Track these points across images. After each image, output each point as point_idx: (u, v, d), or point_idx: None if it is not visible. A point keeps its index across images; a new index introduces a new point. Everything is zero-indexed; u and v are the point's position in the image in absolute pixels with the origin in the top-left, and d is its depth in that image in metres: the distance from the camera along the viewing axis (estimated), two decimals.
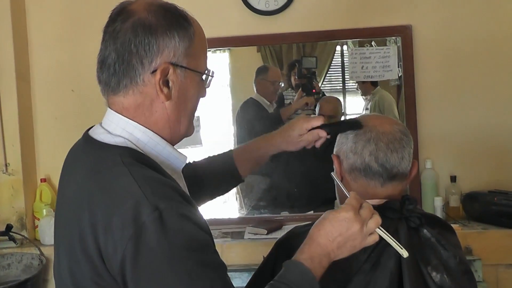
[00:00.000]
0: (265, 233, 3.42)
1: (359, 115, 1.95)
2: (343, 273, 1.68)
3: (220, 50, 3.88)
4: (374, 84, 3.91)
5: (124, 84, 1.55)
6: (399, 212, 1.75)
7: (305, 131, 2.03)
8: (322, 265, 1.58)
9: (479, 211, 3.37)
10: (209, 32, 3.67)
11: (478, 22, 3.55)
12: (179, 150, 1.69)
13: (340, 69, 4.01)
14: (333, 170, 1.88)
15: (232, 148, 2.23)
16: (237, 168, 2.14)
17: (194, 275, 1.38)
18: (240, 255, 3.30)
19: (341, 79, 4.04)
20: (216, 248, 1.52)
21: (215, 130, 3.94)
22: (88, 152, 1.58)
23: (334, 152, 1.91)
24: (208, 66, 1.67)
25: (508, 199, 3.26)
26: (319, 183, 3.58)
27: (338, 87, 4.04)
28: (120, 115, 1.57)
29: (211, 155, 2.25)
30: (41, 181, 3.70)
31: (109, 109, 1.61)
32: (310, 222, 1.87)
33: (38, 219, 3.62)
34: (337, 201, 1.95)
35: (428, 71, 3.59)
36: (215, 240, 1.54)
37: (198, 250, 1.42)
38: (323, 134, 2.01)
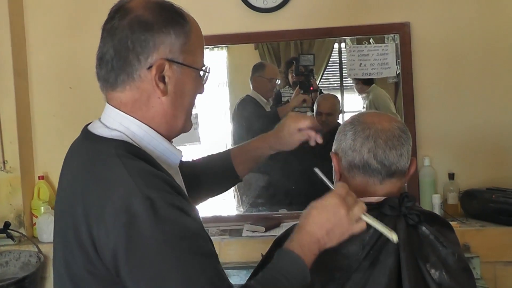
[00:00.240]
0: (263, 230, 3.42)
1: (357, 113, 1.94)
2: (341, 271, 1.68)
3: (218, 47, 3.88)
4: (368, 83, 3.92)
5: (122, 80, 1.58)
6: (398, 210, 1.75)
7: (294, 131, 2.03)
8: (313, 253, 1.61)
9: (477, 209, 3.38)
10: (207, 29, 3.67)
11: (476, 19, 3.55)
12: (177, 147, 1.72)
13: (338, 67, 4.01)
14: (331, 168, 1.89)
15: (231, 147, 2.24)
16: (234, 168, 2.16)
17: (186, 263, 1.41)
18: (238, 253, 3.30)
19: (338, 77, 4.04)
20: (214, 246, 1.55)
21: (213, 127, 3.94)
22: (85, 146, 1.63)
23: (332, 150, 1.91)
24: (205, 63, 1.71)
25: (506, 197, 3.26)
26: (317, 180, 3.58)
27: (336, 85, 4.04)
28: (118, 110, 1.61)
29: (210, 153, 2.26)
30: (39, 179, 3.70)
31: (107, 104, 1.65)
32: None
33: (36, 217, 3.61)
34: None
35: (426, 69, 3.59)
36: (213, 237, 1.57)
37: (190, 238, 1.45)
38: (312, 134, 2.01)
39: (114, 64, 1.58)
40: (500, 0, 3.55)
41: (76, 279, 1.54)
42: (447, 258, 1.74)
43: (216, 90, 3.97)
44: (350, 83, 4.01)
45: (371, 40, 3.71)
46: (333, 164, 1.89)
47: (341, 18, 3.62)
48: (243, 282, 1.86)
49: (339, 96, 3.97)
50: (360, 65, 3.70)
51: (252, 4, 3.65)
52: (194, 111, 3.65)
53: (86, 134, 1.64)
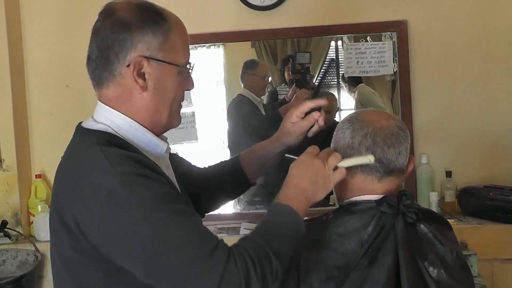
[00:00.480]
0: None
1: (355, 111, 1.93)
2: (340, 270, 1.68)
3: (214, 45, 3.87)
4: (353, 84, 3.93)
5: (105, 77, 1.69)
6: (396, 208, 1.74)
7: (296, 119, 2.03)
8: (302, 203, 1.68)
9: (474, 206, 3.38)
10: (204, 27, 3.68)
11: (473, 17, 3.55)
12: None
13: (335, 65, 4.01)
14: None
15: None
16: (243, 171, 2.17)
17: (170, 223, 1.48)
18: None
19: (335, 74, 4.04)
20: None
21: (211, 125, 3.94)
22: (74, 139, 1.74)
23: (331, 148, 1.91)
24: (190, 60, 1.79)
25: (503, 194, 3.27)
26: None
27: (332, 83, 4.03)
28: (105, 105, 1.72)
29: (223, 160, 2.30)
30: (36, 177, 3.70)
31: (98, 101, 1.76)
32: (307, 218, 1.88)
33: (33, 215, 3.62)
34: (333, 196, 1.95)
35: (423, 66, 3.59)
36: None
37: (168, 202, 1.53)
38: (316, 115, 2.00)
39: (98, 63, 1.69)
40: None
41: (66, 260, 1.65)
42: (446, 256, 1.74)
43: (213, 88, 3.97)
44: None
45: (368, 38, 3.72)
46: None
47: (338, 16, 3.62)
48: None
49: (336, 94, 3.97)
50: (357, 63, 3.71)
51: (249, 2, 3.65)
52: (191, 109, 3.71)
53: (78, 128, 1.75)
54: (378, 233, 1.70)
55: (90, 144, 1.61)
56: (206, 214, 2.18)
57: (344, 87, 3.98)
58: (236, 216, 3.72)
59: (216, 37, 3.71)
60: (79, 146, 1.68)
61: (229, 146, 3.96)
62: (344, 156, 1.80)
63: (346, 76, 3.90)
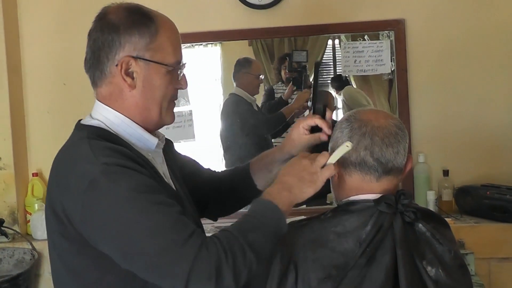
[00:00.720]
0: None
1: (353, 110, 1.93)
2: (338, 269, 1.68)
3: (211, 44, 3.87)
4: (340, 87, 3.95)
5: (98, 76, 1.81)
6: (394, 207, 1.74)
7: (303, 131, 2.03)
8: (284, 198, 1.74)
9: (471, 205, 3.38)
10: (201, 25, 3.68)
11: (471, 16, 3.55)
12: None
13: (332, 63, 4.01)
14: None
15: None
16: (252, 178, 2.20)
17: (148, 212, 1.57)
18: None
19: (332, 73, 4.04)
20: None
21: (208, 124, 3.93)
22: (71, 133, 1.85)
23: (329, 147, 1.91)
24: (178, 59, 1.85)
25: (500, 193, 3.27)
26: None
27: (326, 83, 4.03)
28: (100, 103, 1.83)
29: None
30: (33, 176, 3.69)
31: (96, 99, 1.86)
32: (305, 217, 1.88)
33: (30, 214, 3.61)
34: (331, 194, 1.95)
35: (421, 65, 3.59)
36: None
37: (147, 192, 1.61)
38: (324, 138, 2.00)
39: (91, 63, 1.81)
40: None
41: (57, 247, 1.76)
42: (444, 255, 1.74)
43: (210, 86, 3.97)
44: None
45: (366, 37, 3.71)
46: None
47: (336, 15, 3.62)
48: None
49: (333, 92, 3.97)
50: (355, 61, 3.71)
51: (247, 0, 3.64)
52: (188, 107, 3.69)
53: (76, 125, 1.86)
54: (376, 232, 1.70)
55: (80, 138, 1.73)
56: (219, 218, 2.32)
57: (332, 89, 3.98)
58: (234, 216, 3.70)
59: (213, 35, 3.71)
60: (72, 139, 1.80)
61: (223, 146, 3.95)
62: (343, 156, 1.80)
63: (345, 75, 3.90)
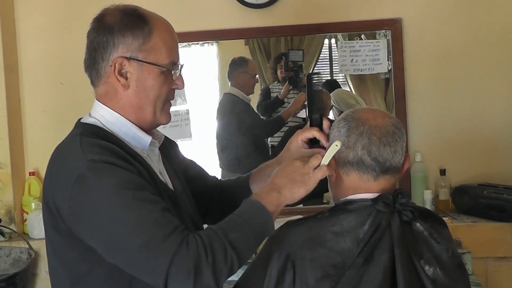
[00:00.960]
0: None
1: (351, 109, 1.93)
2: (336, 268, 1.68)
3: (208, 43, 3.87)
4: (330, 89, 3.98)
5: (94, 76, 1.86)
6: (392, 206, 1.74)
7: (301, 143, 2.04)
8: (272, 199, 1.74)
9: (468, 204, 3.39)
10: (198, 25, 3.68)
11: (468, 15, 3.56)
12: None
13: (328, 63, 4.01)
14: None
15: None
16: (250, 188, 2.21)
17: (132, 208, 1.61)
18: None
19: (329, 73, 4.04)
20: None
21: (205, 123, 3.93)
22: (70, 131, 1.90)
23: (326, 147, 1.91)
24: (173, 59, 1.87)
25: (497, 192, 3.28)
26: None
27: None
28: (98, 102, 1.87)
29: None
30: (29, 175, 3.69)
31: (95, 98, 1.91)
32: (302, 216, 1.88)
33: (27, 213, 3.61)
34: (327, 194, 1.95)
35: (418, 65, 3.60)
36: None
37: (132, 189, 1.65)
38: (322, 153, 2.00)
39: (88, 63, 1.86)
40: None
41: (50, 239, 1.83)
42: (441, 255, 1.74)
43: (207, 86, 3.97)
44: (341, 79, 4.02)
45: (362, 36, 3.72)
46: None
47: (332, 14, 3.62)
48: (236, 278, 1.87)
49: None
50: (352, 61, 3.71)
51: (244, 0, 3.63)
52: (185, 107, 3.69)
53: (75, 123, 1.90)
54: (374, 231, 1.70)
55: (74, 135, 1.80)
56: None
57: None
58: None
59: (210, 34, 3.72)
60: (68, 136, 1.84)
61: (219, 145, 3.95)
62: (340, 154, 1.80)
63: (340, 74, 3.90)
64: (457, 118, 3.56)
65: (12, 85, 3.67)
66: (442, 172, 3.51)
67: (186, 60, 1.96)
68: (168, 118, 1.92)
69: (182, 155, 2.23)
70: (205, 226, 2.13)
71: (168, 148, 2.08)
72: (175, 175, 2.01)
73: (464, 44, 3.56)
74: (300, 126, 2.22)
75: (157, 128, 1.99)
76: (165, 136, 2.07)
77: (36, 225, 3.46)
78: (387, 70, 3.69)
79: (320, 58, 4.00)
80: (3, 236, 3.46)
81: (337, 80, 4.03)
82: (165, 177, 1.93)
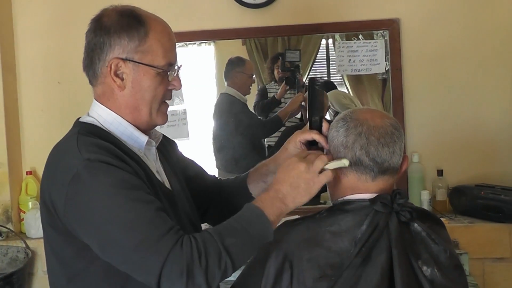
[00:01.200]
0: None
1: (349, 109, 1.92)
2: (333, 268, 1.68)
3: (205, 43, 3.87)
4: (325, 90, 3.94)
5: (92, 76, 1.88)
6: (390, 207, 1.74)
7: (299, 145, 2.02)
8: (275, 208, 1.73)
9: (466, 205, 3.39)
10: (195, 24, 3.68)
11: (466, 15, 3.56)
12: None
13: (325, 63, 4.02)
14: None
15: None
16: (248, 188, 2.20)
17: (126, 208, 1.63)
18: None
19: (326, 73, 4.04)
20: None
21: (202, 123, 3.93)
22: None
23: (322, 148, 1.91)
24: (170, 61, 1.88)
25: (494, 193, 3.28)
26: None
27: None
28: (96, 101, 1.89)
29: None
30: (26, 174, 3.69)
31: (93, 98, 1.93)
32: (299, 216, 1.88)
33: (24, 212, 3.60)
34: (325, 194, 1.94)
35: (415, 65, 3.60)
36: None
37: (128, 188, 1.66)
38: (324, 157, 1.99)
39: (86, 63, 1.87)
40: None
41: (47, 236, 1.84)
42: (439, 255, 1.75)
43: (204, 85, 3.97)
44: (338, 79, 4.02)
45: (360, 36, 3.72)
46: None
47: (330, 14, 3.62)
48: (233, 279, 1.86)
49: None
50: (349, 61, 3.71)
51: None
52: (182, 106, 3.69)
53: (74, 122, 1.91)
54: (372, 232, 1.70)
55: (72, 133, 1.81)
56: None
57: None
58: None
59: (207, 34, 3.72)
60: (66, 135, 1.85)
61: (216, 145, 3.95)
62: (338, 155, 1.80)
63: (337, 74, 3.90)
64: (454, 118, 3.56)
65: (9, 84, 3.66)
66: (440, 172, 3.52)
67: (183, 60, 1.99)
68: (164, 118, 1.93)
69: (182, 154, 2.23)
70: (204, 224, 2.14)
71: (167, 147, 2.09)
72: (173, 174, 2.02)
73: (462, 44, 3.56)
74: (297, 126, 2.22)
75: (155, 128, 1.99)
76: (164, 135, 2.08)
77: (33, 224, 3.46)
78: (384, 71, 3.69)
79: (317, 58, 4.00)
80: (0, 235, 3.47)
81: (334, 80, 4.03)
82: (162, 176, 1.94)
